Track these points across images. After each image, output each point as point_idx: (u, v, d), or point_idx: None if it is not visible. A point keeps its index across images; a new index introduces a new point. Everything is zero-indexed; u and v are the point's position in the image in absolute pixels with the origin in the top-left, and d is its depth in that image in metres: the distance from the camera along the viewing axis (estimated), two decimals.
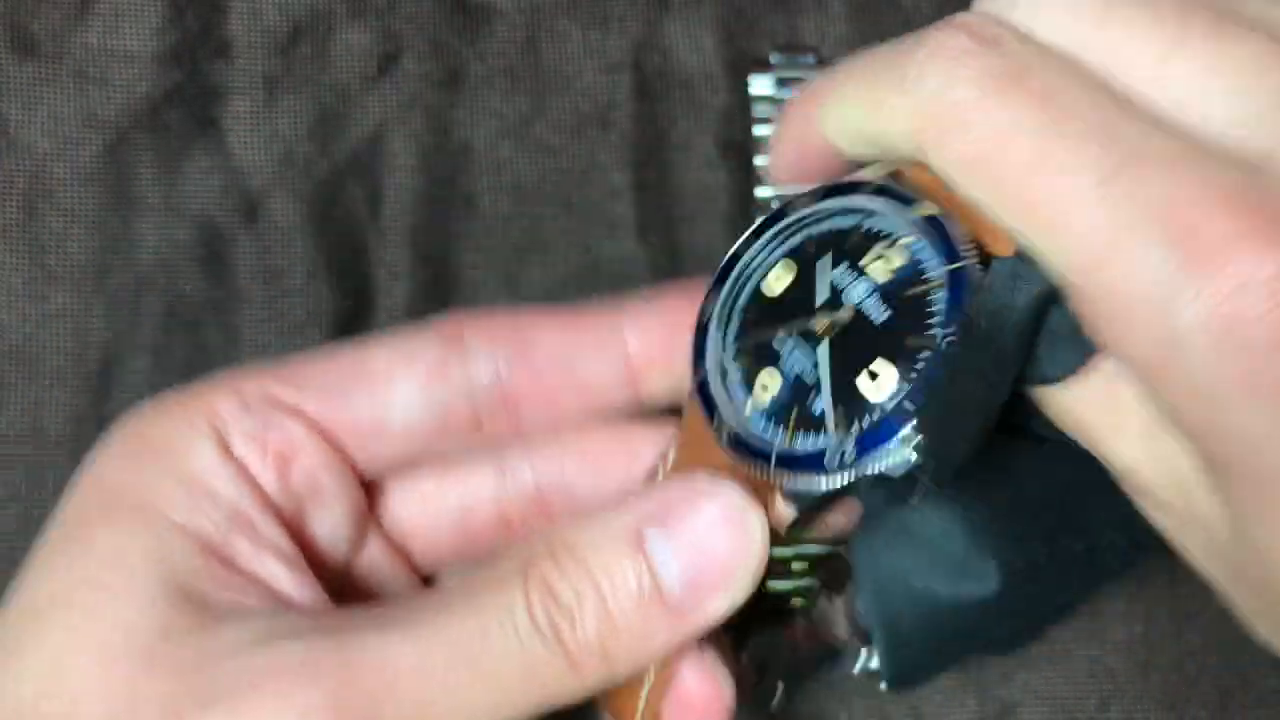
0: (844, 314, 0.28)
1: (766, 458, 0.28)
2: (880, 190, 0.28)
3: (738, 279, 0.30)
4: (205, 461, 0.31)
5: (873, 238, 0.28)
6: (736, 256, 0.30)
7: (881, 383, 0.27)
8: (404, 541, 0.35)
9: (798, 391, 0.28)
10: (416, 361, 0.32)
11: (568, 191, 0.43)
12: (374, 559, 0.34)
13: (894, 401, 0.26)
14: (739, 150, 0.44)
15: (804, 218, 0.29)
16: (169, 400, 0.32)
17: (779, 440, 0.28)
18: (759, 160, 0.43)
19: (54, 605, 0.29)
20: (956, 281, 0.26)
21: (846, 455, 0.27)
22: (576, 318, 0.33)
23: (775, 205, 0.31)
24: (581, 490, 0.34)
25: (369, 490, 0.34)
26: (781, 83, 0.44)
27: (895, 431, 0.26)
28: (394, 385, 0.32)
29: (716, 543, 0.28)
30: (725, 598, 0.28)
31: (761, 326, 0.29)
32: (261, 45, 0.43)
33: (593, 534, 0.28)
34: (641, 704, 0.30)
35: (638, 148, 0.43)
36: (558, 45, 0.44)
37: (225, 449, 0.31)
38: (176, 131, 0.43)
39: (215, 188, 0.43)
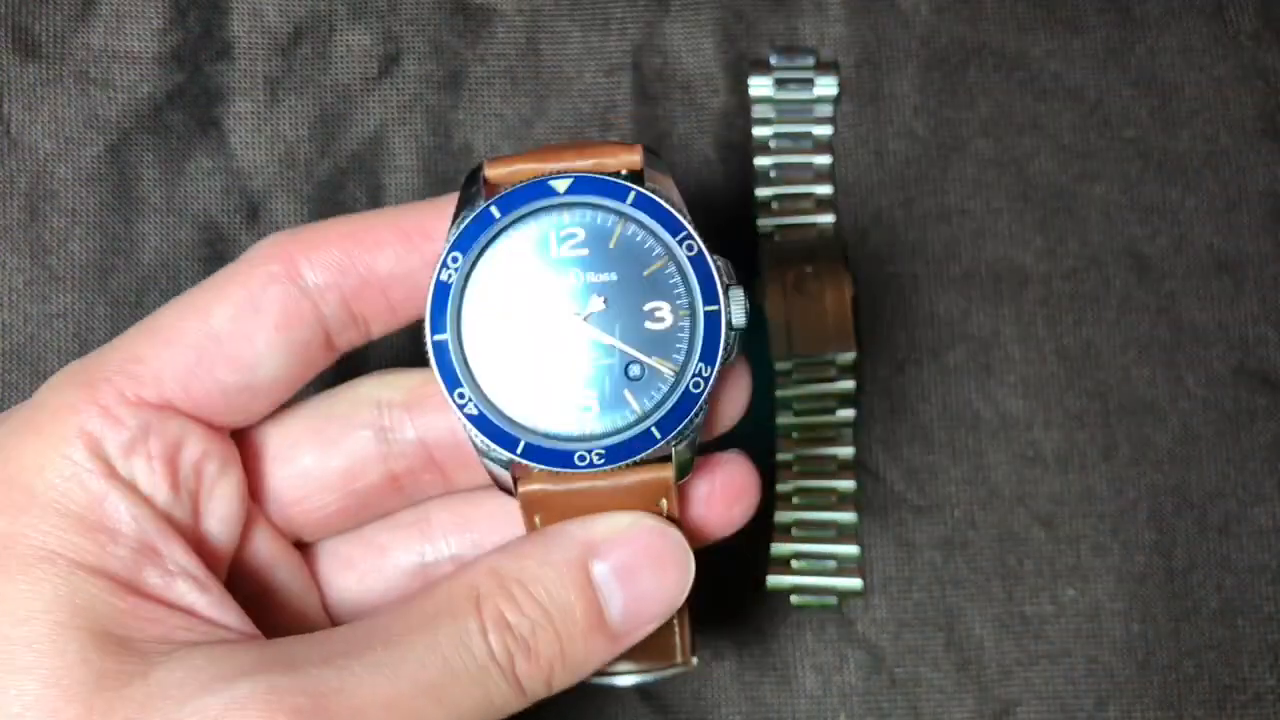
0: (595, 304, 0.30)
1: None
2: (497, 202, 0.30)
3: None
4: (94, 493, 0.29)
5: (528, 239, 0.30)
6: (489, 217, 0.31)
7: (662, 315, 0.30)
8: (287, 519, 0.34)
9: (612, 376, 0.30)
10: (262, 310, 0.31)
11: None
12: (259, 545, 0.33)
13: (638, 416, 0.30)
14: (739, 151, 0.44)
15: (457, 274, 0.30)
16: (20, 426, 0.30)
17: (638, 416, 0.30)
18: (759, 161, 0.43)
19: None
20: (644, 205, 0.30)
21: (703, 370, 0.30)
22: (393, 224, 0.32)
23: (774, 206, 0.32)
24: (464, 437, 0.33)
25: (247, 475, 0.33)
26: (780, 84, 0.44)
27: (719, 302, 0.30)
28: (249, 345, 0.31)
29: (656, 579, 0.30)
30: (660, 620, 0.31)
31: (526, 374, 0.30)
32: (263, 47, 0.43)
33: (543, 570, 0.29)
34: (678, 639, 0.33)
35: None
36: (558, 47, 0.44)
37: (110, 472, 0.29)
38: (178, 132, 0.43)
39: (217, 188, 0.43)
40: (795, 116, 0.44)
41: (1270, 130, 0.43)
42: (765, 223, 0.43)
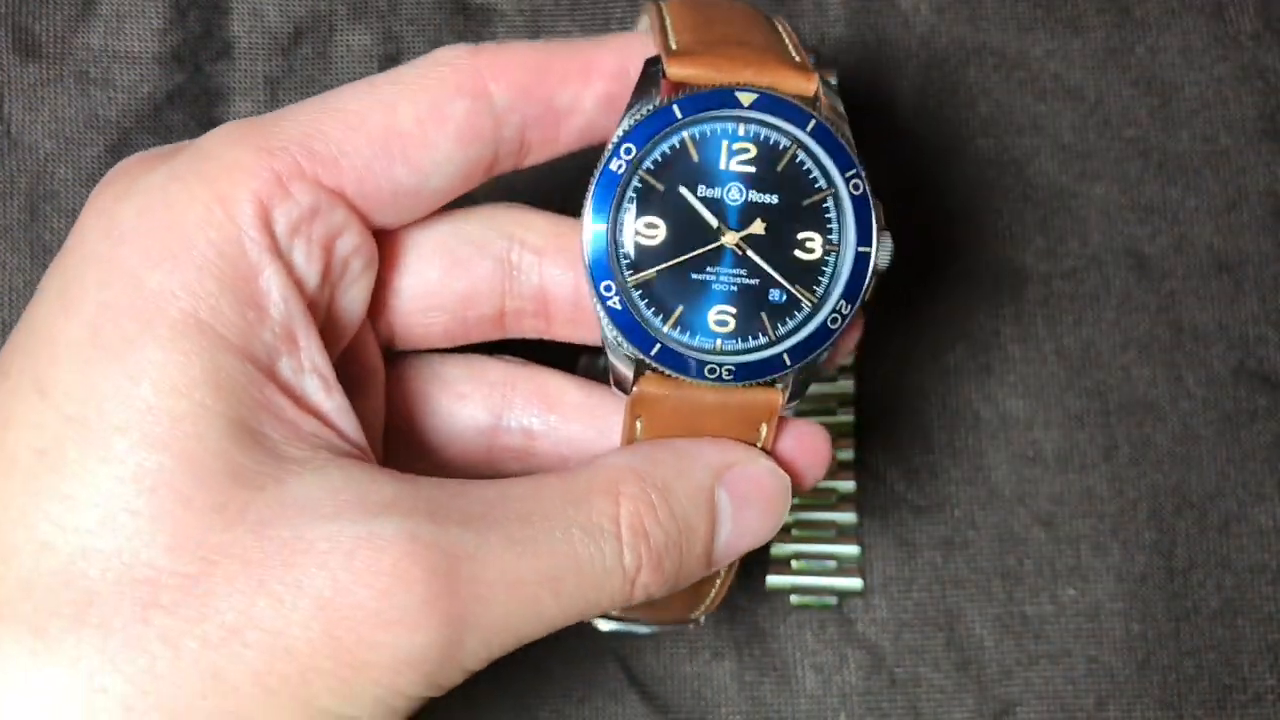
0: (755, 226, 0.30)
1: (779, 363, 0.30)
2: (679, 103, 0.30)
3: (613, 254, 0.30)
4: (253, 264, 0.27)
5: (707, 142, 0.30)
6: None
7: (812, 246, 0.30)
8: (390, 328, 0.33)
9: (751, 297, 0.30)
10: (448, 119, 0.30)
11: (567, 191, 0.43)
12: (358, 349, 0.33)
13: (838, 250, 0.30)
14: None
15: (628, 157, 0.30)
16: (184, 172, 0.28)
17: (769, 341, 0.31)
18: None
19: (106, 427, 0.26)
20: (820, 136, 0.30)
21: (843, 308, 0.30)
22: (588, 50, 0.32)
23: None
24: (584, 301, 0.33)
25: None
26: None
27: (871, 244, 0.30)
28: (430, 149, 0.30)
29: (760, 518, 0.31)
30: (741, 554, 0.31)
31: (675, 278, 0.30)
32: (263, 46, 0.43)
33: (680, 483, 0.30)
34: (715, 590, 0.34)
35: None
36: None
37: (273, 246, 0.28)
38: (179, 132, 0.43)
39: None
40: None
41: (1270, 130, 0.43)
42: None
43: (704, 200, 0.30)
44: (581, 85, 0.31)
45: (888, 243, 0.30)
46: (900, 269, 0.43)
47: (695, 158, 0.30)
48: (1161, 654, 0.41)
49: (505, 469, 0.34)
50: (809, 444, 0.32)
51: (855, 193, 0.30)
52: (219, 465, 0.26)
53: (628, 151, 0.30)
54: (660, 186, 0.30)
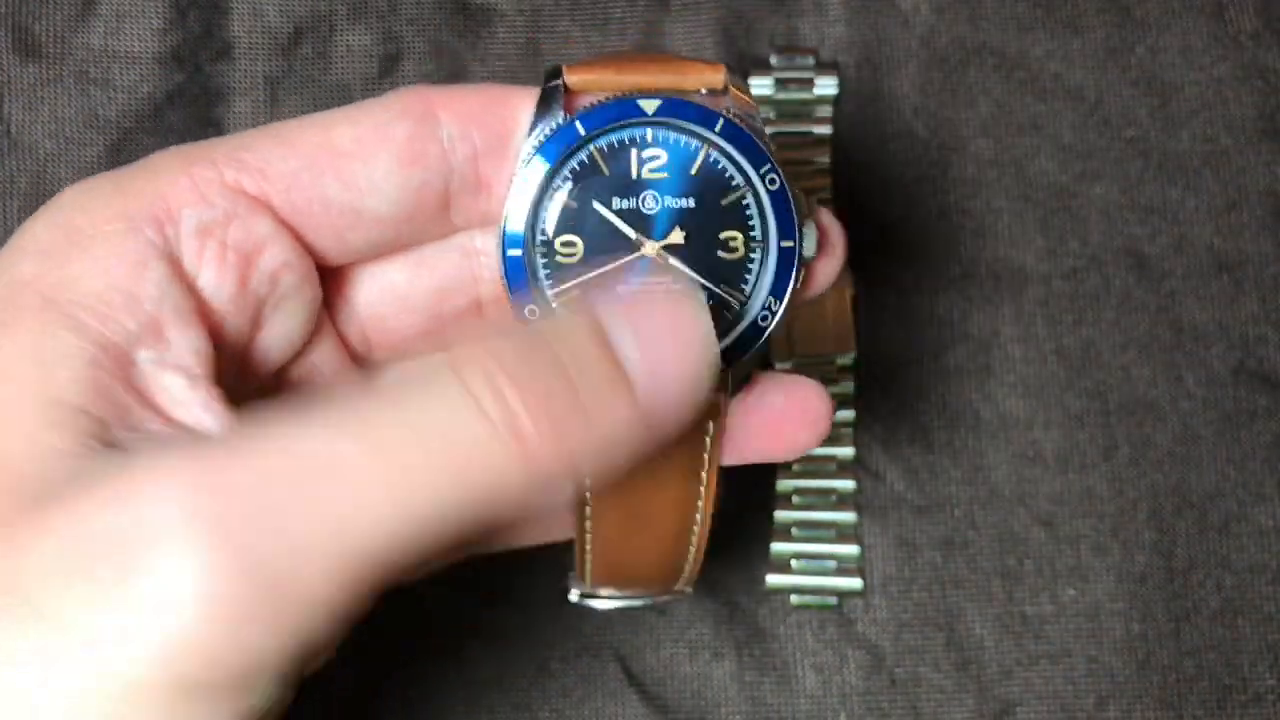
0: (675, 236, 0.30)
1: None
2: (581, 117, 0.29)
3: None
4: (138, 255, 0.27)
5: (615, 153, 0.30)
6: (573, 131, 0.30)
7: (735, 244, 0.30)
8: (363, 336, 0.32)
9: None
10: (388, 139, 0.29)
11: None
12: (321, 357, 0.31)
13: (764, 245, 0.30)
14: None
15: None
16: (103, 184, 0.28)
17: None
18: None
19: None
20: (731, 134, 0.29)
21: (772, 305, 0.30)
22: (533, 92, 0.30)
23: None
24: None
25: (328, 279, 0.31)
26: (781, 84, 0.44)
27: (794, 237, 0.30)
28: (367, 167, 0.29)
29: (673, 338, 0.25)
30: (684, 397, 0.25)
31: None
32: (263, 46, 0.43)
33: (543, 324, 0.25)
34: (690, 558, 0.33)
35: None
36: (558, 46, 0.44)
37: (165, 244, 0.27)
38: (179, 132, 0.43)
39: None
40: (796, 116, 0.44)
41: (1270, 130, 0.43)
42: None
43: (619, 213, 0.30)
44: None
45: (811, 233, 0.30)
46: (901, 269, 0.43)
47: (606, 170, 0.30)
48: (1161, 654, 0.41)
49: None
50: (802, 401, 0.31)
51: (772, 188, 0.30)
52: (21, 448, 0.24)
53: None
54: (573, 204, 0.30)
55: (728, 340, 0.30)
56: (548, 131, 0.29)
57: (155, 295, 0.27)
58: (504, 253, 0.29)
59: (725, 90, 0.30)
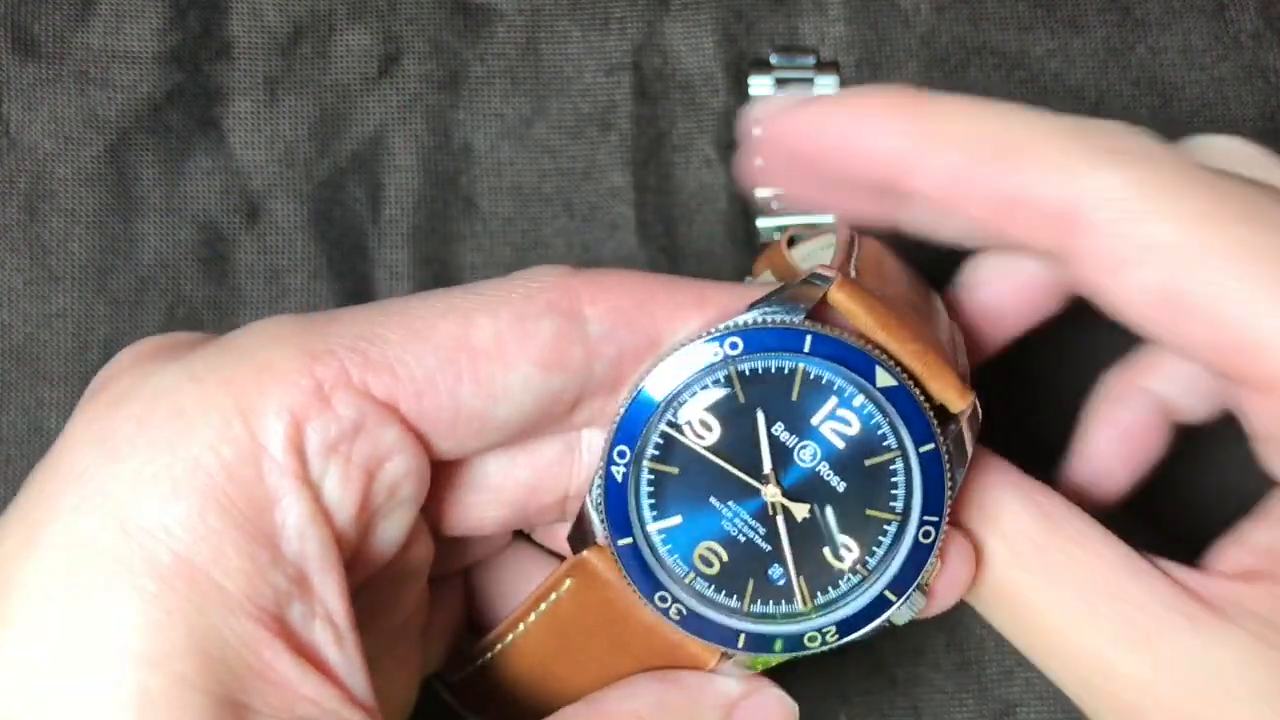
0: (799, 510, 0.27)
1: (731, 637, 0.28)
2: (822, 343, 0.26)
3: (652, 426, 0.27)
4: (270, 491, 0.23)
5: (817, 391, 0.27)
6: (648, 402, 0.27)
7: (845, 554, 0.27)
8: (447, 516, 0.29)
9: (751, 559, 0.27)
10: (530, 339, 0.25)
11: (568, 192, 0.43)
12: (411, 553, 0.28)
13: (861, 577, 0.27)
14: (739, 150, 0.44)
15: (731, 353, 0.27)
16: (203, 371, 0.23)
17: (739, 609, 0.28)
18: (759, 160, 0.43)
19: (60, 701, 0.21)
20: (929, 463, 0.26)
21: (828, 635, 0.28)
22: (697, 293, 0.28)
23: (775, 206, 0.30)
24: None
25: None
26: (781, 83, 0.44)
27: (876, 615, 0.27)
28: (506, 371, 0.25)
29: None
30: None
31: (695, 489, 0.27)
32: (262, 46, 0.43)
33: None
34: None
35: (638, 148, 0.43)
36: (558, 46, 0.44)
37: (300, 471, 0.23)
38: (178, 132, 0.43)
39: (216, 188, 0.43)
40: None
41: (1270, 130, 0.43)
42: (766, 223, 0.43)
43: (773, 440, 0.26)
44: (695, 314, 0.27)
45: (916, 601, 0.28)
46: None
47: (794, 395, 0.26)
48: None
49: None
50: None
51: (925, 540, 0.27)
52: None
53: (733, 346, 0.26)
54: (742, 397, 0.26)
55: (774, 628, 0.28)
56: (770, 321, 0.26)
57: (296, 539, 0.23)
58: (616, 546, 0.27)
59: (957, 420, 0.27)
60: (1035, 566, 0.28)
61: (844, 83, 0.44)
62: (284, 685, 0.22)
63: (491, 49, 0.44)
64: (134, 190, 0.42)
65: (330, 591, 0.24)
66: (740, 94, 0.44)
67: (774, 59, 0.44)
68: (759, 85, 0.44)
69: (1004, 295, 0.32)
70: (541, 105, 0.44)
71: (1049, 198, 0.26)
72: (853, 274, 0.27)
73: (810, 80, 0.44)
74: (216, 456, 0.22)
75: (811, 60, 0.44)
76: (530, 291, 0.26)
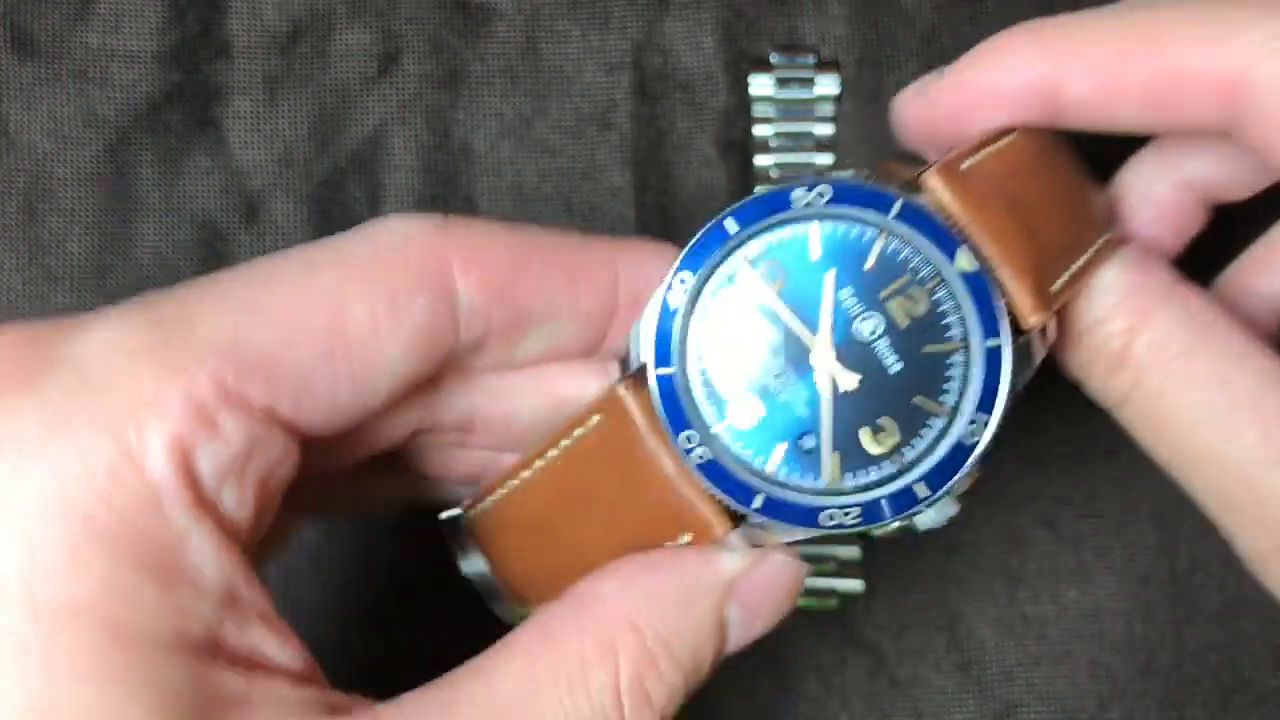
0: (845, 381, 0.26)
1: (747, 495, 0.26)
2: (911, 211, 0.26)
3: (720, 259, 0.27)
4: (177, 531, 0.22)
5: (892, 265, 0.26)
6: (722, 232, 0.27)
7: (884, 438, 0.26)
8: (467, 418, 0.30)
9: (786, 421, 0.26)
10: (402, 322, 0.25)
11: (568, 192, 0.43)
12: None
13: (897, 466, 0.26)
14: (739, 150, 0.44)
15: (812, 208, 0.26)
16: (68, 410, 0.21)
17: (762, 470, 0.27)
18: (759, 160, 0.43)
19: None
20: (991, 359, 0.26)
21: (848, 517, 0.26)
22: (574, 253, 0.28)
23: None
24: (519, 415, 0.29)
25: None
26: (781, 83, 0.44)
27: (903, 510, 0.26)
28: (378, 357, 0.25)
29: (775, 611, 0.28)
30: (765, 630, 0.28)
31: (747, 334, 0.27)
32: (261, 45, 0.43)
33: (686, 625, 0.26)
34: None
35: (638, 148, 0.43)
36: (558, 45, 0.44)
37: (198, 500, 0.22)
38: (177, 132, 0.43)
39: (215, 188, 0.43)
40: (796, 115, 0.43)
41: None
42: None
43: (837, 304, 0.26)
44: (563, 293, 0.27)
45: (946, 508, 0.27)
46: None
47: (870, 264, 0.26)
48: (1164, 655, 0.41)
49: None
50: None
51: (969, 441, 0.26)
52: None
53: (821, 194, 0.26)
54: (818, 252, 0.26)
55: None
56: (859, 178, 0.26)
57: (214, 569, 0.22)
58: (655, 376, 0.26)
59: (1028, 334, 0.26)
60: (1181, 371, 0.27)
61: (844, 83, 0.44)
62: (237, 701, 0.22)
63: (491, 48, 0.44)
64: (133, 190, 0.42)
65: (251, 592, 0.23)
66: (740, 93, 0.44)
67: (774, 58, 0.44)
68: (759, 84, 0.44)
69: (1158, 211, 0.31)
70: (541, 104, 0.43)
71: (1209, 67, 0.26)
72: (964, 166, 0.26)
73: (811, 80, 0.44)
74: (108, 509, 0.21)
75: (812, 60, 0.44)
76: (399, 260, 0.25)
